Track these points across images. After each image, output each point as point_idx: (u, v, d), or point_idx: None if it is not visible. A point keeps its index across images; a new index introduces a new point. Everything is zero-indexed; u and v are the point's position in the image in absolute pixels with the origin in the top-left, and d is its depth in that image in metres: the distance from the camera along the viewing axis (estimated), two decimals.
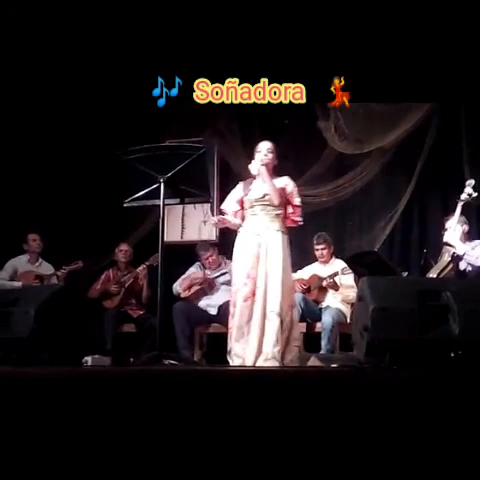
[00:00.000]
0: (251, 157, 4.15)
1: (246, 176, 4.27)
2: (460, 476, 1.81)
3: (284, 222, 4.08)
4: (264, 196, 4.04)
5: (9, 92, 5.24)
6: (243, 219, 4.12)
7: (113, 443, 2.01)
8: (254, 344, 3.85)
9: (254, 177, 4.13)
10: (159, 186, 3.82)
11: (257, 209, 4.05)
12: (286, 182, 4.11)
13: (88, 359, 4.20)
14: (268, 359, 3.80)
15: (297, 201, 4.10)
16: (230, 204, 4.18)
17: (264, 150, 4.08)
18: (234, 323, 3.95)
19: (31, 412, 2.12)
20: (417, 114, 5.33)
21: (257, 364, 3.81)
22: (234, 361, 3.93)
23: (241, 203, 4.14)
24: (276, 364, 3.78)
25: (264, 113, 5.35)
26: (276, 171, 4.15)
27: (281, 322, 3.85)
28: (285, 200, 4.07)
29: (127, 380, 2.42)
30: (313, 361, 4.04)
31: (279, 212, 4.05)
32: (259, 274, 3.93)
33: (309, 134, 5.58)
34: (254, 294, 3.91)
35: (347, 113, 5.37)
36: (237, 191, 4.18)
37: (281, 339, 3.84)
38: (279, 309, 3.84)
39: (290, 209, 4.10)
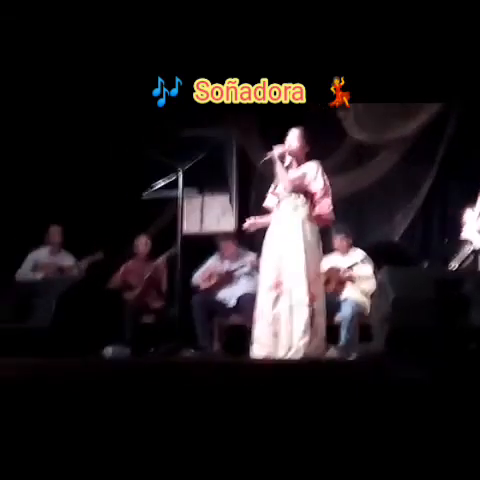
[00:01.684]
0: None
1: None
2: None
3: (311, 210, 4.02)
4: (285, 188, 4.04)
5: (29, 86, 5.28)
6: None
7: (132, 433, 2.03)
8: (285, 340, 3.81)
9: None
10: (178, 177, 3.83)
11: (283, 201, 4.05)
12: (305, 170, 4.05)
13: (109, 349, 4.24)
14: (297, 351, 3.76)
15: (316, 186, 4.00)
16: (269, 199, 4.22)
17: (289, 139, 4.08)
18: (259, 313, 3.93)
19: (53, 401, 2.14)
20: (437, 104, 5.27)
21: (287, 357, 3.76)
22: (258, 350, 3.88)
23: (278, 196, 4.15)
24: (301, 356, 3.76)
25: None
26: (308, 157, 4.12)
27: (309, 314, 3.80)
28: (302, 187, 4.01)
29: (147, 370, 2.44)
30: (332, 352, 4.03)
31: (303, 202, 4.01)
32: (285, 266, 3.91)
33: (328, 124, 5.54)
34: (278, 286, 3.89)
35: (367, 103, 5.33)
36: (273, 185, 4.20)
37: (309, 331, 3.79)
38: (307, 300, 3.80)
39: (316, 195, 4.03)
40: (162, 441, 2.02)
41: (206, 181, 4.14)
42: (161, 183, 4.09)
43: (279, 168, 4.00)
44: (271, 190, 4.20)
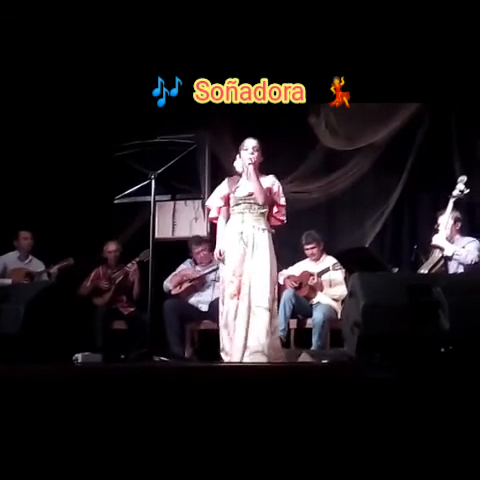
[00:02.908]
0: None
1: (236, 172, 4.26)
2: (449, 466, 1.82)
3: (269, 220, 4.09)
4: (250, 195, 4.04)
5: (5, 90, 5.21)
6: (228, 216, 4.12)
7: (105, 438, 2.01)
8: (240, 341, 3.85)
9: (240, 174, 4.12)
10: (150, 182, 3.81)
11: (242, 207, 4.05)
12: (272, 181, 4.12)
13: (78, 356, 4.18)
14: (256, 351, 3.80)
15: (282, 200, 4.12)
16: (214, 200, 4.19)
17: (250, 148, 4.06)
18: (222, 321, 3.97)
19: (22, 409, 2.11)
20: (408, 111, 5.34)
21: (244, 359, 3.81)
22: (224, 358, 3.94)
23: (226, 199, 4.14)
24: (264, 357, 3.79)
25: (255, 109, 5.34)
26: (262, 169, 4.15)
27: (270, 316, 3.86)
28: (270, 199, 4.08)
29: (118, 377, 2.41)
30: (304, 357, 4.05)
31: (264, 211, 4.06)
32: (245, 272, 3.94)
33: (300, 130, 5.58)
34: (239, 292, 3.93)
35: (338, 110, 5.37)
36: (222, 188, 4.19)
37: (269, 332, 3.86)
38: (268, 304, 3.86)
39: (275, 208, 4.11)
40: (134, 447, 2.00)
41: (178, 186, 4.11)
42: (133, 188, 4.06)
43: (255, 178, 4.01)
44: (225, 193, 4.14)
